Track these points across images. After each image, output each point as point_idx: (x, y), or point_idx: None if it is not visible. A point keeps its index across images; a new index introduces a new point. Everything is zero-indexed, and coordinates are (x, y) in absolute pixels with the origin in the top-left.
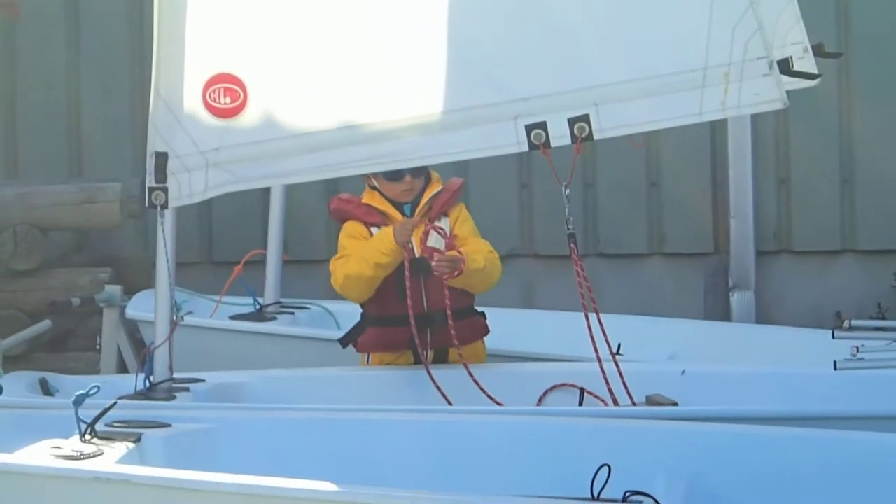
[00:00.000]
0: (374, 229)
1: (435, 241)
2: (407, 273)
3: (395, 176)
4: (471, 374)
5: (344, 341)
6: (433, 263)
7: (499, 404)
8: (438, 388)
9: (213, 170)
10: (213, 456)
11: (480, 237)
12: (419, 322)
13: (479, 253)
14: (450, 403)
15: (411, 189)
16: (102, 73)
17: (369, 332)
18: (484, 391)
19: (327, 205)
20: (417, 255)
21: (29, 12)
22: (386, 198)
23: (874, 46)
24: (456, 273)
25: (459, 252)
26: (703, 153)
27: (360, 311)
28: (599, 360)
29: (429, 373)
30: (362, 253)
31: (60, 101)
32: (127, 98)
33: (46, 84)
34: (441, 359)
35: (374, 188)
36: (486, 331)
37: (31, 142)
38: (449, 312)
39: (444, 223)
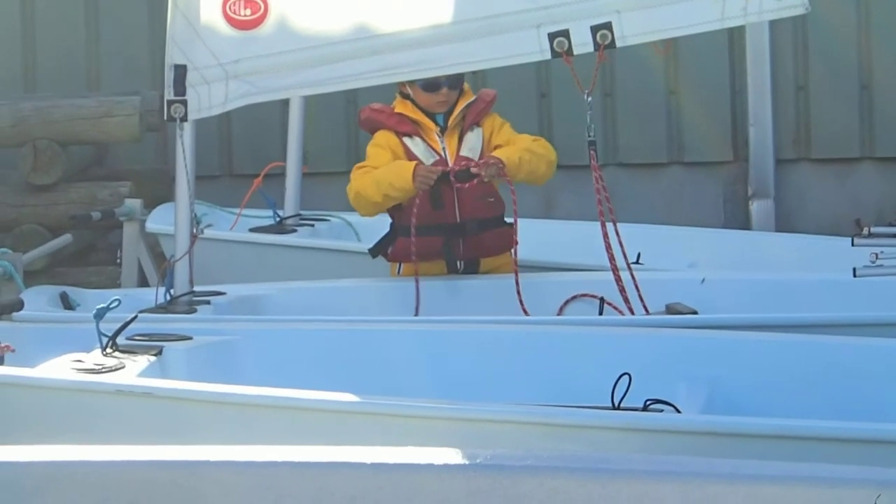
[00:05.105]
0: (406, 139)
1: (468, 150)
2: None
3: (431, 87)
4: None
5: (374, 251)
6: (483, 172)
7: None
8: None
9: (232, 82)
10: (234, 368)
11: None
12: (452, 231)
13: (513, 152)
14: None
15: (446, 101)
16: None
17: (400, 241)
18: (522, 304)
19: (357, 114)
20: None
21: None
22: (418, 107)
23: None
24: (502, 174)
25: (493, 158)
26: (721, 61)
27: (389, 221)
28: (615, 270)
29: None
30: (378, 176)
31: (78, 15)
32: (145, 10)
33: None
34: (472, 269)
35: (406, 97)
36: (515, 242)
37: (50, 56)
38: (515, 218)
39: (476, 133)
